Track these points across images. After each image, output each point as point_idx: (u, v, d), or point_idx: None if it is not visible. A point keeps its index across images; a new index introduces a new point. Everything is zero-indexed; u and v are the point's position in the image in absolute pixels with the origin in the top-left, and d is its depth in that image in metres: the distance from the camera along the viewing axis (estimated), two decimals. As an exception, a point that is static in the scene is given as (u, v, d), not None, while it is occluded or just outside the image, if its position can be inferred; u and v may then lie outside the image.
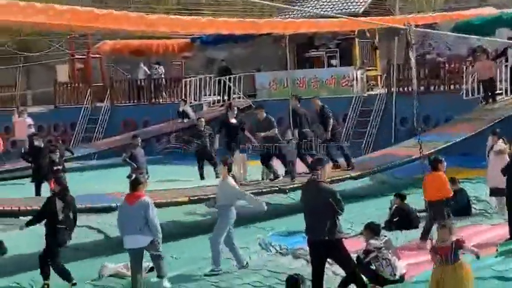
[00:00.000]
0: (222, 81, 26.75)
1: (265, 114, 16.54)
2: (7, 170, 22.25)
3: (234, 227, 11.39)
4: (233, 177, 11.83)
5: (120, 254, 11.87)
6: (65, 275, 10.53)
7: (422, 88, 23.13)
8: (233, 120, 17.70)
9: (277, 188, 15.70)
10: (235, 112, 17.83)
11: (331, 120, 16.90)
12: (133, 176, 10.68)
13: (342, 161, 17.23)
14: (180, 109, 25.54)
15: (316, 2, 27.65)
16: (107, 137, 27.28)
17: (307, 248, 10.04)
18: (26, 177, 19.21)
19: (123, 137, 24.95)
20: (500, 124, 18.39)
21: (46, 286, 10.46)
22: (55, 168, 16.77)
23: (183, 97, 26.66)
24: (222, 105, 26.20)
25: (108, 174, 21.38)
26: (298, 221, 11.97)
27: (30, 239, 12.35)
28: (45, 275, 10.47)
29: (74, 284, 10.57)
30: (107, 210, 13.41)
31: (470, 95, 21.91)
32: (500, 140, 14.40)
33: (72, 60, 31.85)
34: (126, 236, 10.07)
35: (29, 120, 25.12)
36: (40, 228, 11.15)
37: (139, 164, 17.23)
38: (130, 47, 29.01)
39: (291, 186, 15.56)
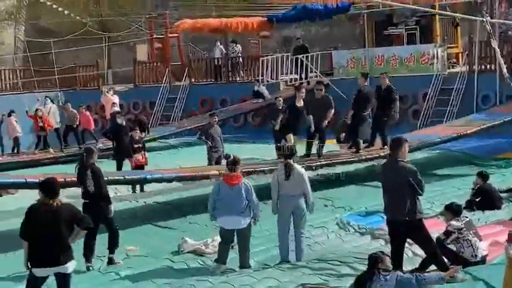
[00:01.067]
0: (299, 60, 26.63)
1: (323, 93, 16.45)
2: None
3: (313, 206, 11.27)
4: None
5: (198, 232, 12.22)
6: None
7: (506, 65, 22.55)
8: (300, 104, 17.36)
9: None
10: (303, 94, 17.49)
11: (397, 103, 16.78)
12: (231, 156, 10.62)
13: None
14: (255, 88, 25.64)
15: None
16: (185, 115, 27.67)
17: (386, 228, 10.06)
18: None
19: (201, 116, 25.28)
20: None
21: None
22: (135, 146, 16.99)
23: (260, 76, 26.72)
24: (300, 84, 26.19)
25: (186, 152, 21.73)
26: (377, 200, 12.04)
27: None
28: None
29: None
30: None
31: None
32: None
33: (151, 40, 32.25)
34: (226, 217, 10.14)
35: (115, 99, 25.50)
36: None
37: (214, 142, 17.40)
38: (210, 25, 29.23)
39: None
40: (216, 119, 18.32)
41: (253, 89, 25.73)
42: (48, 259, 7.64)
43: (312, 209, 10.70)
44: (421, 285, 8.01)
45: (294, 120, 16.99)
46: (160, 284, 9.66)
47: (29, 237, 7.68)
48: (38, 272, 7.73)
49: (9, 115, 23.32)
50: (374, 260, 8.21)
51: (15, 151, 23.36)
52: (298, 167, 10.61)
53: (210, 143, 17.35)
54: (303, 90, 17.58)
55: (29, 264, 7.75)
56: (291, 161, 10.55)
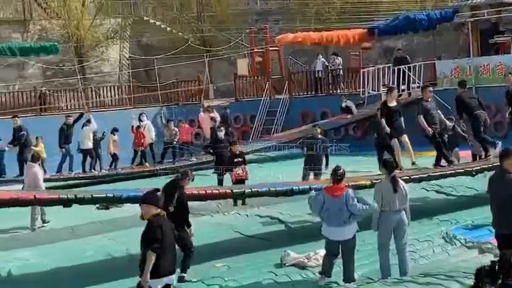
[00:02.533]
0: (401, 71, 26.29)
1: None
2: (192, 164, 23.21)
3: (415, 219, 11.06)
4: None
5: (299, 245, 12.17)
6: None
7: None
8: (392, 104, 17.02)
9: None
10: (395, 95, 17.07)
11: None
12: (338, 168, 10.53)
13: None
14: (343, 105, 25.53)
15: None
16: (286, 129, 27.74)
17: (495, 242, 9.85)
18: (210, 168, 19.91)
19: (301, 129, 25.28)
20: None
21: None
22: (235, 160, 17.08)
23: (361, 88, 26.52)
24: (400, 95, 25.82)
25: (286, 165, 21.74)
26: (484, 213, 11.70)
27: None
28: None
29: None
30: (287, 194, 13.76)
31: None
32: None
33: (252, 54, 32.61)
34: (331, 228, 10.12)
35: (215, 114, 25.72)
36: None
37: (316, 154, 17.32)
38: (311, 39, 29.32)
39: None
40: (319, 131, 18.22)
41: (341, 105, 25.59)
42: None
43: (408, 223, 10.50)
44: None
45: (390, 120, 16.63)
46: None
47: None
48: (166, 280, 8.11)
49: (113, 133, 24.08)
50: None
51: (113, 166, 24.15)
52: (402, 181, 10.45)
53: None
54: (395, 91, 17.34)
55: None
56: (396, 175, 10.40)
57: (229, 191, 13.61)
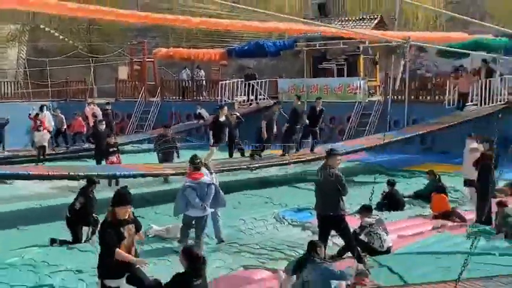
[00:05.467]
0: (250, 85, 26.71)
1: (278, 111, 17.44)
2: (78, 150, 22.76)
3: (255, 203, 11.30)
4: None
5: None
6: None
7: (412, 97, 23.09)
8: (222, 119, 17.27)
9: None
10: (225, 112, 17.47)
11: (321, 119, 17.97)
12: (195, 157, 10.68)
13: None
14: (197, 111, 25.64)
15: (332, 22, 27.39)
16: (157, 126, 27.33)
17: (314, 222, 10.07)
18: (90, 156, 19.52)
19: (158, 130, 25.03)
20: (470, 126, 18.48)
21: None
22: (110, 150, 16.84)
23: (218, 96, 26.66)
24: (250, 104, 26.25)
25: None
26: (308, 199, 12.11)
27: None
28: None
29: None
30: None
31: (451, 105, 21.79)
32: (474, 142, 14.27)
33: (131, 63, 32.03)
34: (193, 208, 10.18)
35: (97, 110, 24.99)
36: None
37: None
38: (181, 54, 29.07)
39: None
40: (170, 132, 18.65)
41: (195, 112, 25.72)
42: None
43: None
44: (339, 278, 7.83)
45: (218, 130, 17.04)
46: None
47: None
48: None
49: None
50: (314, 245, 7.85)
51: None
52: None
53: None
54: (225, 108, 17.74)
55: None
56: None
57: (66, 172, 13.66)
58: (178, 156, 17.41)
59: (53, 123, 23.59)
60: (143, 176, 15.15)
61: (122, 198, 6.99)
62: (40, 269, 9.33)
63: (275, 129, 17.15)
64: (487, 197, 11.86)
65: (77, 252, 10.27)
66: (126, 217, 6.93)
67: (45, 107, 24.37)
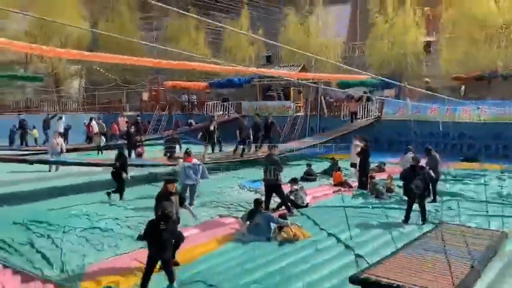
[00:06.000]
0: (225, 105, 26.58)
1: (245, 122, 16.63)
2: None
3: (227, 177, 11.04)
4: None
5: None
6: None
7: (322, 114, 23.21)
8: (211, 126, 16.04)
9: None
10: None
11: (273, 128, 17.33)
12: (189, 148, 10.65)
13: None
14: (189, 121, 24.93)
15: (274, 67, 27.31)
16: (165, 129, 26.65)
17: (262, 188, 10.08)
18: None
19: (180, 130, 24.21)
20: (356, 132, 18.48)
21: None
22: (137, 144, 16.58)
23: (209, 113, 26.00)
24: (224, 116, 26.07)
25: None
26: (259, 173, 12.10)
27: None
28: None
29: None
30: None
31: (345, 118, 22.06)
32: (357, 140, 14.37)
33: (150, 90, 31.43)
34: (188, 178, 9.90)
35: (126, 120, 24.16)
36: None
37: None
38: (181, 85, 28.63)
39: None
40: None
41: (188, 121, 24.70)
42: None
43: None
44: (276, 222, 7.93)
45: (209, 136, 15.81)
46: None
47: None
48: None
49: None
50: (259, 202, 8.12)
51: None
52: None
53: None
54: (214, 122, 16.30)
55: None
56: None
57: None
58: (180, 149, 16.99)
59: (97, 129, 22.94)
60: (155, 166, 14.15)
61: (171, 178, 6.84)
62: (92, 217, 9.21)
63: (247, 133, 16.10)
64: (365, 173, 12.08)
65: (115, 207, 10.14)
66: (173, 190, 6.71)
67: (93, 118, 23.52)
